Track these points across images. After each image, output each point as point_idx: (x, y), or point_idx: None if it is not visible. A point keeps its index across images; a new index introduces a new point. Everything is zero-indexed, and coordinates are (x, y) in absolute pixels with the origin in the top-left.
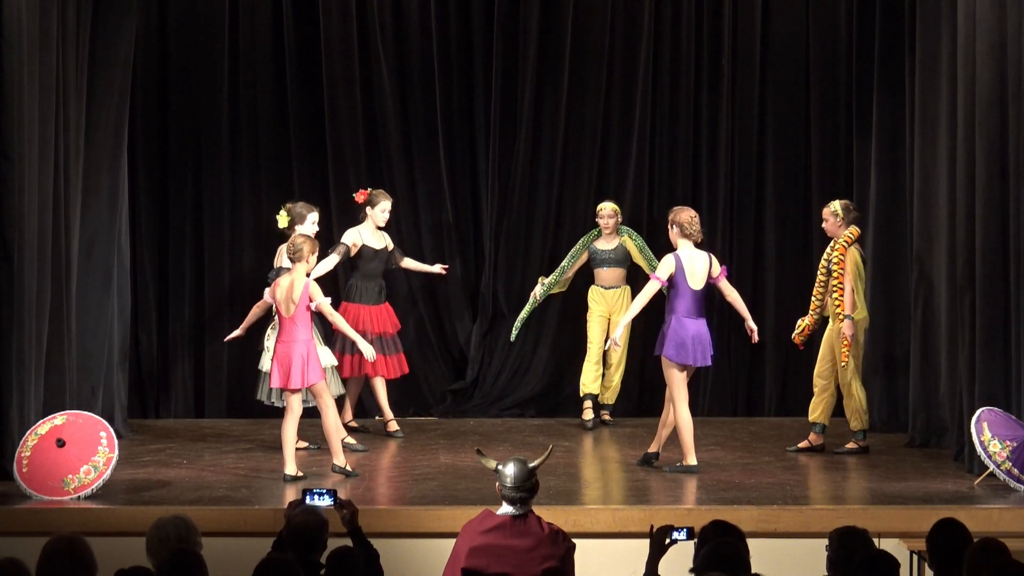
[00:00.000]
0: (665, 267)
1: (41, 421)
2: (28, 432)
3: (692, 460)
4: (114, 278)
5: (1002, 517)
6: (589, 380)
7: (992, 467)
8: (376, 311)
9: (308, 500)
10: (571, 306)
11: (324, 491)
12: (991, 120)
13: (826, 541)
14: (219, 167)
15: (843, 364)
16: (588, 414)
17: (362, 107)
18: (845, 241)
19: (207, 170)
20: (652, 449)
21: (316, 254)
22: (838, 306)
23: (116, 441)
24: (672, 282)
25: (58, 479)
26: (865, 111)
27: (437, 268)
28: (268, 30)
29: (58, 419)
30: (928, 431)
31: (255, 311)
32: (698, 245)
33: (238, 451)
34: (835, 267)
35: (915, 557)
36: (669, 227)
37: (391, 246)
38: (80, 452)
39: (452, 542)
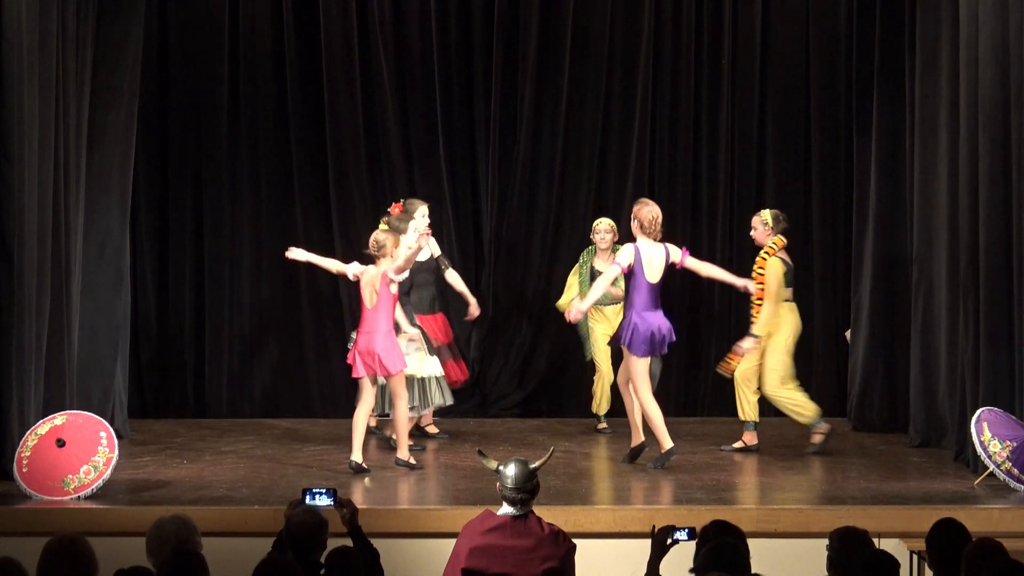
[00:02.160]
0: (625, 255)
1: (41, 421)
2: (28, 432)
3: (668, 443)
4: (125, 279)
5: (1002, 517)
6: (604, 402)
7: (992, 467)
8: (429, 320)
9: (308, 500)
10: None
11: (324, 490)
12: (994, 121)
13: (826, 541)
14: (219, 167)
15: (722, 372)
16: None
17: (362, 107)
18: (767, 252)
19: (207, 170)
20: (636, 443)
21: (399, 248)
22: (751, 320)
23: (116, 441)
24: (631, 273)
25: (58, 479)
26: (865, 111)
27: (473, 303)
28: (268, 30)
29: (58, 419)
30: (928, 431)
31: (335, 264)
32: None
33: (238, 451)
34: (757, 279)
35: (915, 557)
36: (631, 218)
37: (436, 253)
38: (80, 452)
39: (452, 542)
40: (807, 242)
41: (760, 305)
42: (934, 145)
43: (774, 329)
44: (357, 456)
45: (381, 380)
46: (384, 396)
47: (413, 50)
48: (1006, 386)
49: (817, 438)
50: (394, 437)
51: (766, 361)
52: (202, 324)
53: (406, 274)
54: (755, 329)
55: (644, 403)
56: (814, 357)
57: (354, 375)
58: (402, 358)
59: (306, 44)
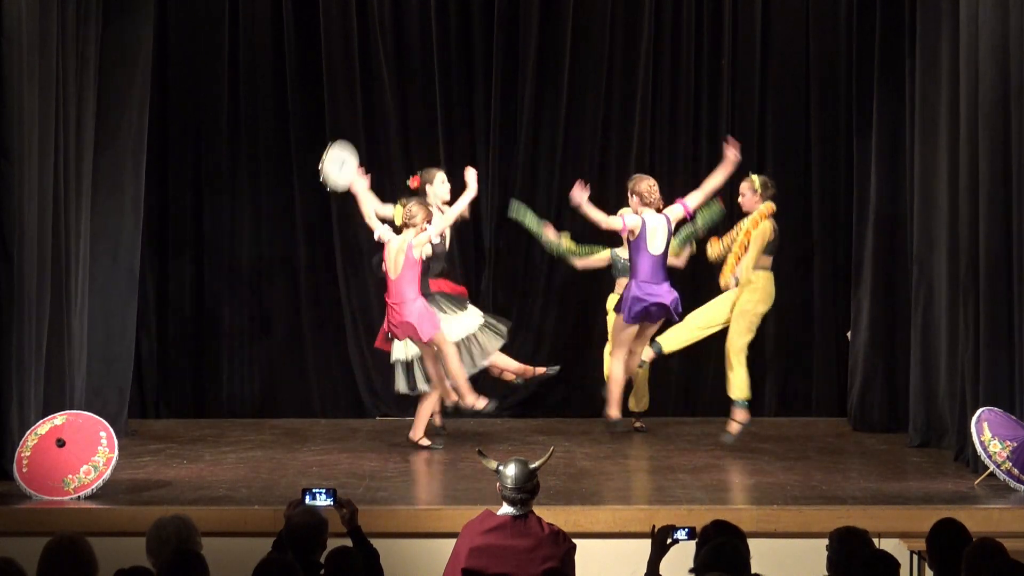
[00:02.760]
0: (632, 219)
1: (41, 421)
2: (28, 432)
3: (615, 413)
4: (137, 279)
5: (1002, 517)
6: (643, 397)
7: (992, 467)
8: (438, 283)
9: (308, 500)
10: (572, 304)
11: (324, 490)
12: (994, 121)
13: (826, 541)
14: (219, 167)
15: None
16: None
17: (362, 107)
18: (759, 215)
19: (207, 170)
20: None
21: (430, 222)
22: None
23: (116, 441)
24: (633, 246)
25: (58, 479)
26: (865, 111)
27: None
28: (268, 30)
29: (58, 419)
30: (928, 431)
31: (372, 213)
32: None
33: (238, 451)
34: (742, 234)
35: (915, 557)
36: (629, 197)
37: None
38: (80, 452)
39: (452, 542)
40: (807, 242)
41: (738, 257)
42: (934, 145)
43: (750, 292)
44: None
45: (405, 356)
46: (410, 373)
47: (413, 50)
48: (1006, 386)
49: (734, 427)
50: (449, 400)
51: (738, 321)
52: (202, 324)
53: (444, 239)
54: (739, 272)
55: (612, 365)
56: (814, 357)
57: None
58: (435, 321)
59: (306, 44)
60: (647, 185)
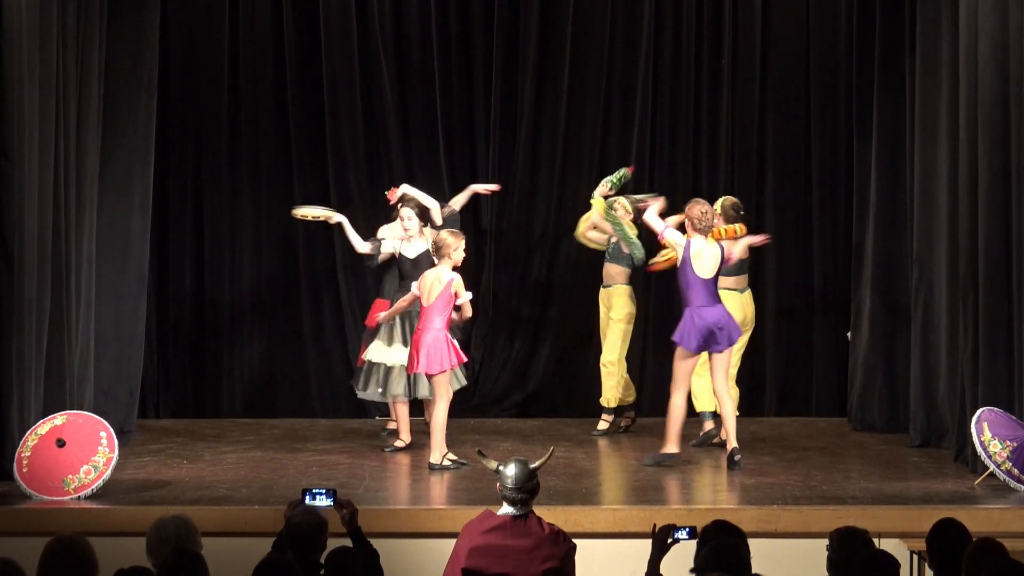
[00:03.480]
0: (675, 236)
1: (41, 421)
2: (28, 432)
3: (673, 448)
4: (146, 280)
5: (1002, 517)
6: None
7: (992, 467)
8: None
9: (308, 500)
10: (572, 305)
11: (324, 491)
12: (993, 121)
13: (826, 541)
14: (219, 167)
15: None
16: (602, 424)
17: (362, 107)
18: (726, 232)
19: (207, 170)
20: (729, 447)
21: (461, 249)
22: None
23: (116, 441)
24: (681, 272)
25: (58, 479)
26: (865, 111)
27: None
28: (268, 30)
29: (58, 419)
30: (928, 431)
31: (402, 304)
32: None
33: (238, 451)
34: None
35: (915, 557)
36: (685, 220)
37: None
38: (80, 452)
39: (452, 542)
40: (807, 242)
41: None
42: (934, 145)
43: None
44: (436, 457)
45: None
46: (412, 382)
47: (413, 50)
48: (1006, 386)
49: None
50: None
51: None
52: (202, 324)
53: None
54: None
55: (672, 400)
56: (814, 357)
57: (409, 371)
58: (445, 360)
59: (306, 44)
60: (699, 210)
